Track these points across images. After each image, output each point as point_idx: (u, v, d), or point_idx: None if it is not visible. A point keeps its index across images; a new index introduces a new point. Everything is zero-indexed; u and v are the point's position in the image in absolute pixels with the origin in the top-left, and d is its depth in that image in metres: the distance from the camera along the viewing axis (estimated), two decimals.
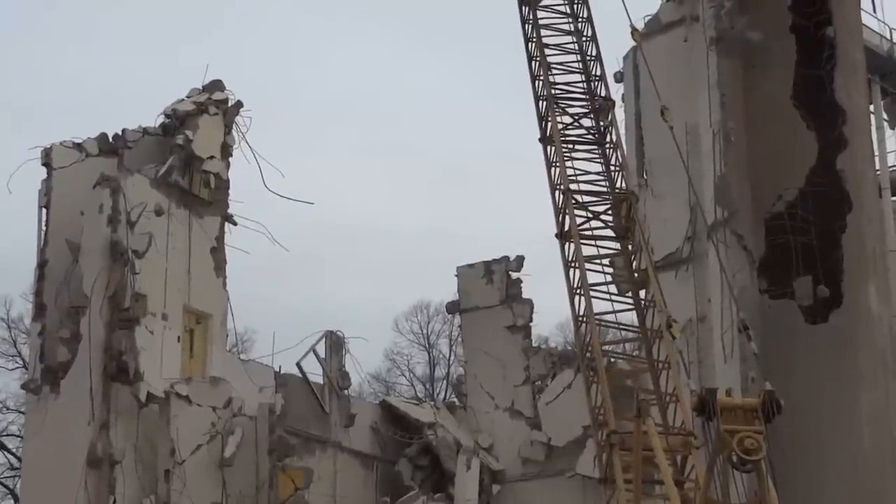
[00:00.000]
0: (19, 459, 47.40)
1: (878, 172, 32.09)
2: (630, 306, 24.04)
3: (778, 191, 29.41)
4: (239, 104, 31.87)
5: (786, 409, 16.78)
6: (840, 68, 30.13)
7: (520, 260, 36.53)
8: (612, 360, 24.11)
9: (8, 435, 53.20)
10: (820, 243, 28.86)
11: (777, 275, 28.97)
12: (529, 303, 36.28)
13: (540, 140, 25.97)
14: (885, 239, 30.68)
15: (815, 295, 28.65)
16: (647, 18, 32.35)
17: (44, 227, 29.72)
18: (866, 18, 32.66)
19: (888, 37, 34.08)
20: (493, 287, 36.51)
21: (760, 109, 30.15)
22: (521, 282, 36.60)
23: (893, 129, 37.99)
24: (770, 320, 28.44)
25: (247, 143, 31.87)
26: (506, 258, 36.62)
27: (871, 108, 32.76)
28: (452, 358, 61.97)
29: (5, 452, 52.86)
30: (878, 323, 29.11)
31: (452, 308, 38.04)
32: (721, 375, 28.16)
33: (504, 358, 35.85)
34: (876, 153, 32.47)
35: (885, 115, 34.50)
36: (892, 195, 35.14)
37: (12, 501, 50.93)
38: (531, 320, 36.31)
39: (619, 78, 32.52)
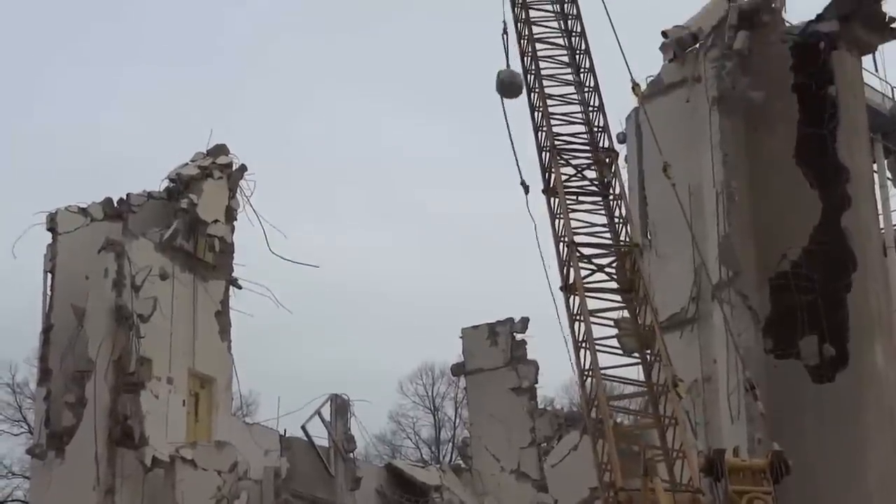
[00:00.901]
0: None
1: (883, 231, 32.10)
2: (636, 361, 23.91)
3: (782, 250, 29.46)
4: (243, 168, 31.97)
5: (794, 469, 16.75)
6: (842, 127, 30.25)
7: (524, 321, 36.49)
8: (618, 417, 23.98)
9: (14, 500, 53.04)
10: (825, 302, 28.86)
11: (782, 334, 28.96)
12: (534, 364, 36.24)
13: (543, 191, 25.81)
14: (891, 297, 30.65)
15: (821, 354, 28.64)
16: (649, 79, 32.49)
17: (49, 292, 29.72)
18: (868, 77, 32.80)
19: (890, 95, 34.20)
20: (497, 349, 36.49)
21: (763, 169, 30.24)
22: (526, 343, 36.56)
23: None
24: (776, 380, 28.39)
25: (251, 206, 31.97)
26: (510, 320, 36.59)
27: (875, 166, 32.81)
28: (458, 420, 61.88)
29: None
30: (885, 382, 29.07)
31: (457, 370, 38.02)
32: (728, 436, 28.06)
33: (509, 420, 35.76)
34: (880, 212, 32.52)
35: (888, 174, 34.56)
36: None
37: None
38: (536, 382, 36.27)
39: (622, 139, 32.58)
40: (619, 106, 30.94)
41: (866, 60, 32.49)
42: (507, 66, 28.12)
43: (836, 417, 28.16)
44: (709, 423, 29.60)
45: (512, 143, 27.21)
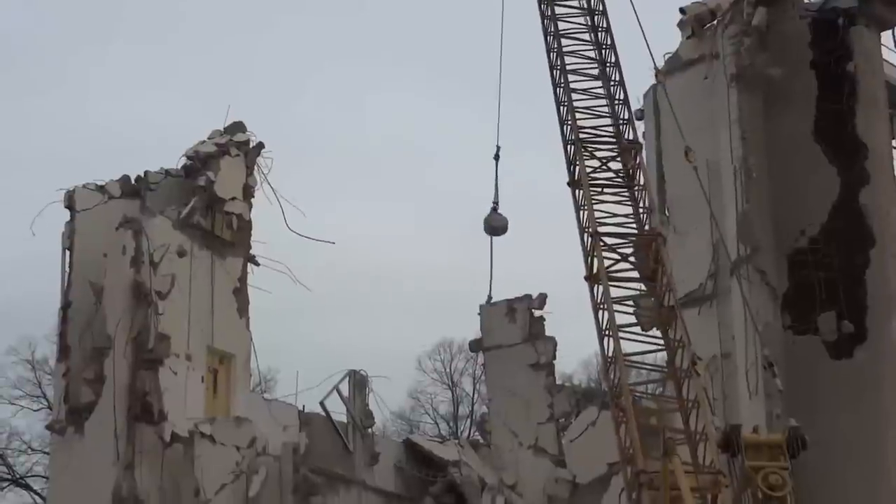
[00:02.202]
0: (44, 500, 47.46)
1: None
2: (658, 346, 24.13)
3: (800, 227, 29.43)
4: (260, 145, 31.99)
5: (811, 445, 16.76)
6: (861, 103, 30.17)
7: (542, 298, 36.48)
8: (640, 398, 24.12)
9: (33, 476, 53.37)
10: (843, 279, 28.84)
11: (800, 311, 28.95)
12: (552, 340, 36.23)
13: (568, 184, 26.26)
14: None
15: (839, 330, 28.62)
16: (667, 56, 32.44)
17: (67, 270, 29.84)
18: (887, 54, 32.68)
19: None
20: (515, 325, 36.46)
21: (782, 146, 30.18)
22: (544, 320, 36.55)
23: None
24: (794, 356, 28.39)
25: (268, 184, 32.01)
26: (528, 296, 36.57)
27: (893, 143, 32.71)
28: (476, 396, 61.98)
29: (31, 493, 52.96)
30: None
31: (475, 346, 38.00)
32: (745, 412, 28.09)
33: (528, 396, 35.78)
34: None
35: None
36: None
37: None
38: (554, 358, 36.26)
39: (639, 116, 32.57)
40: (636, 83, 30.97)
41: (885, 36, 32.39)
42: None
43: (853, 393, 28.16)
44: (726, 400, 29.66)
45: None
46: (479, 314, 37.14)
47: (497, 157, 33.02)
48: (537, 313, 36.54)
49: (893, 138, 32.86)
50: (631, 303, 24.72)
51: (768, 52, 30.47)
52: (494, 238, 34.17)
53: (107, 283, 28.88)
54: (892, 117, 32.85)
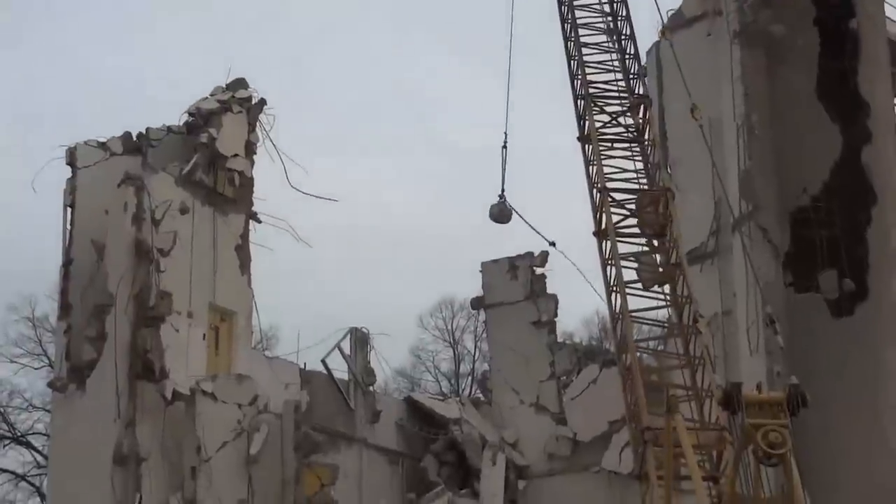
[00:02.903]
0: (46, 457, 47.61)
1: None
2: (664, 303, 24.20)
3: (802, 184, 29.34)
4: (262, 102, 31.96)
5: (811, 403, 16.76)
6: (863, 62, 30.02)
7: (544, 255, 36.48)
8: (646, 355, 24.19)
9: (34, 433, 53.47)
10: (845, 237, 28.78)
11: (802, 268, 28.91)
12: (554, 298, 36.25)
13: (578, 139, 26.27)
14: None
15: (840, 288, 28.58)
16: (670, 13, 32.29)
17: (69, 227, 29.84)
18: (890, 11, 32.52)
19: None
20: (517, 283, 36.50)
21: (784, 103, 30.07)
22: (546, 277, 36.56)
23: None
24: (795, 314, 28.37)
25: (270, 140, 31.99)
26: (530, 254, 36.57)
27: None
28: (477, 353, 62.07)
29: (32, 451, 53.11)
30: None
31: (477, 304, 38.03)
32: (746, 370, 28.11)
33: (529, 353, 35.83)
34: None
35: None
36: None
37: (39, 499, 51.18)
38: (556, 315, 36.29)
39: (643, 73, 32.46)
40: (638, 41, 30.83)
41: None
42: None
43: (854, 351, 28.14)
44: (727, 357, 29.69)
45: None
46: (481, 271, 37.17)
47: (505, 146, 32.93)
48: (539, 271, 36.56)
49: (895, 96, 32.78)
50: (633, 260, 24.73)
51: (771, 9, 30.31)
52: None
53: (108, 241, 28.88)
54: (894, 75, 32.72)
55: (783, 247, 29.09)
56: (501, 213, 32.09)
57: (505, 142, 32.87)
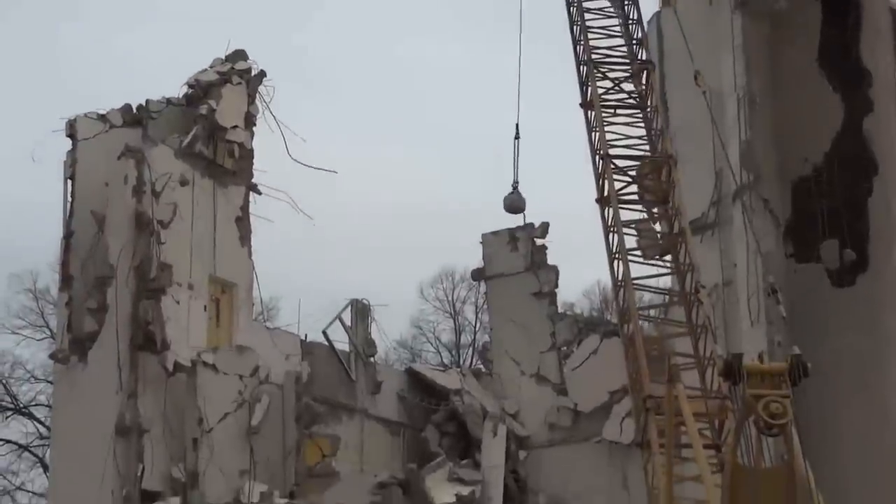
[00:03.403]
0: (48, 429, 47.71)
1: None
2: (668, 271, 24.18)
3: (804, 154, 29.28)
4: (262, 73, 31.91)
5: (812, 372, 16.73)
6: (865, 31, 29.93)
7: (544, 227, 36.47)
8: (648, 324, 24.18)
9: (36, 405, 53.55)
10: (846, 207, 28.75)
11: (803, 239, 28.88)
12: (555, 269, 36.25)
13: (581, 105, 26.16)
14: None
15: (841, 258, 28.57)
16: None
17: (69, 199, 29.83)
18: None
19: None
20: (518, 254, 36.49)
21: (786, 73, 29.99)
22: (546, 248, 36.56)
23: None
24: (796, 284, 28.36)
25: (270, 112, 31.94)
26: (530, 225, 36.54)
27: None
28: (478, 324, 62.06)
29: (34, 422, 53.21)
30: None
31: (478, 275, 38.04)
32: (747, 340, 28.13)
33: (529, 324, 35.85)
34: None
35: None
36: None
37: (42, 470, 51.29)
38: (557, 286, 36.29)
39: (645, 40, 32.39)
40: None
41: None
42: None
43: (855, 321, 28.14)
44: (728, 327, 29.71)
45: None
46: (481, 243, 37.15)
47: (517, 137, 32.91)
48: (539, 242, 36.55)
49: None
50: (635, 228, 24.72)
51: None
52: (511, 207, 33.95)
53: (109, 213, 28.90)
54: None
55: (784, 217, 29.06)
56: (513, 204, 32.34)
57: (517, 133, 32.84)
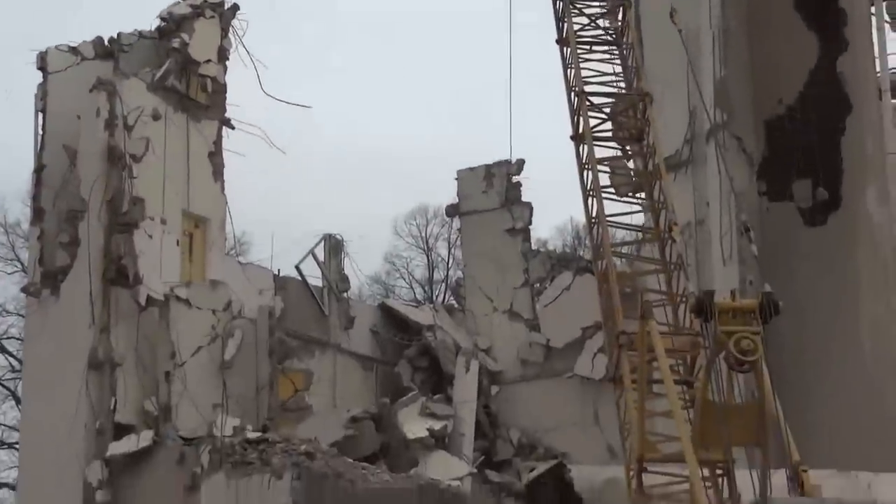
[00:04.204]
0: (20, 362, 47.66)
1: (879, 74, 31.93)
2: (641, 208, 24.20)
3: (778, 93, 29.33)
4: (235, 7, 31.64)
5: (784, 310, 16.84)
6: None
7: (520, 163, 36.34)
8: (622, 261, 24.21)
9: (8, 338, 53.43)
10: (819, 146, 28.83)
11: (776, 177, 28.98)
12: (529, 206, 36.17)
13: (557, 41, 26.05)
14: (885, 141, 30.61)
15: (814, 197, 28.68)
16: None
17: (41, 132, 29.65)
18: None
19: None
20: (493, 191, 36.38)
21: (761, 11, 29.96)
22: (521, 185, 36.46)
23: (895, 31, 37.77)
24: (769, 223, 28.49)
25: (243, 46, 31.73)
26: (506, 161, 36.40)
27: (872, 9, 32.51)
28: (451, 261, 62.08)
29: (6, 355, 53.13)
30: (877, 225, 29.16)
31: (452, 211, 37.94)
32: (719, 278, 28.27)
33: (503, 261, 35.85)
34: (876, 55, 32.30)
35: (886, 17, 34.25)
36: (892, 97, 35.02)
37: (14, 402, 51.30)
38: (530, 223, 36.25)
39: None
40: None
41: None
42: None
43: (827, 260, 28.31)
44: (700, 266, 29.82)
45: None
46: (457, 179, 37.05)
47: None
48: (515, 178, 36.44)
49: (872, 4, 32.67)
50: (609, 166, 24.72)
51: None
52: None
53: (80, 146, 28.72)
54: None
55: (757, 155, 29.14)
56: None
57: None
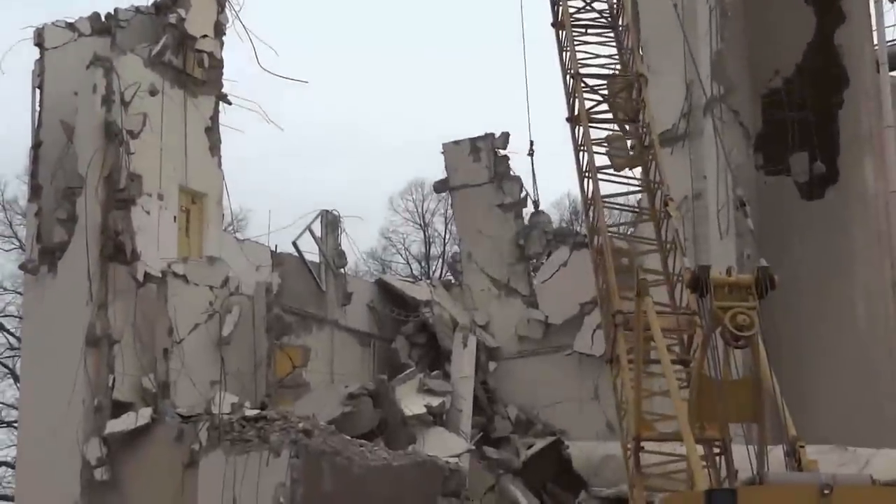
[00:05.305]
0: (18, 339, 47.69)
1: (876, 47, 31.89)
2: (637, 189, 24.23)
3: (775, 66, 29.33)
4: None
5: (780, 285, 16.84)
6: None
7: (505, 136, 36.03)
8: (616, 238, 24.22)
9: (6, 315, 53.45)
10: (816, 119, 28.84)
11: (773, 151, 29.01)
12: (518, 180, 35.98)
13: (552, 25, 26.10)
14: (882, 114, 30.60)
15: (811, 171, 28.70)
16: None
17: (38, 108, 29.62)
18: None
19: None
20: (480, 164, 36.17)
21: None
22: (509, 159, 36.21)
23: (892, 3, 37.71)
24: (765, 197, 28.51)
25: (240, 21, 31.66)
26: (491, 135, 36.13)
27: None
28: (448, 236, 62.07)
29: (4, 333, 53.15)
30: (874, 199, 29.18)
31: (441, 186, 37.76)
32: (716, 252, 28.27)
33: (498, 236, 35.79)
34: (874, 28, 32.26)
35: None
36: (890, 70, 34.99)
37: (12, 380, 51.35)
38: (521, 198, 36.03)
39: None
40: None
41: None
42: None
43: (824, 234, 28.36)
44: (697, 240, 29.81)
45: None
46: (443, 152, 36.81)
47: (531, 154, 32.94)
48: (501, 152, 36.24)
49: None
50: (605, 144, 24.74)
51: None
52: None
53: (78, 122, 28.69)
54: None
55: (754, 129, 29.15)
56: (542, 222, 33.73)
57: (531, 149, 32.82)
